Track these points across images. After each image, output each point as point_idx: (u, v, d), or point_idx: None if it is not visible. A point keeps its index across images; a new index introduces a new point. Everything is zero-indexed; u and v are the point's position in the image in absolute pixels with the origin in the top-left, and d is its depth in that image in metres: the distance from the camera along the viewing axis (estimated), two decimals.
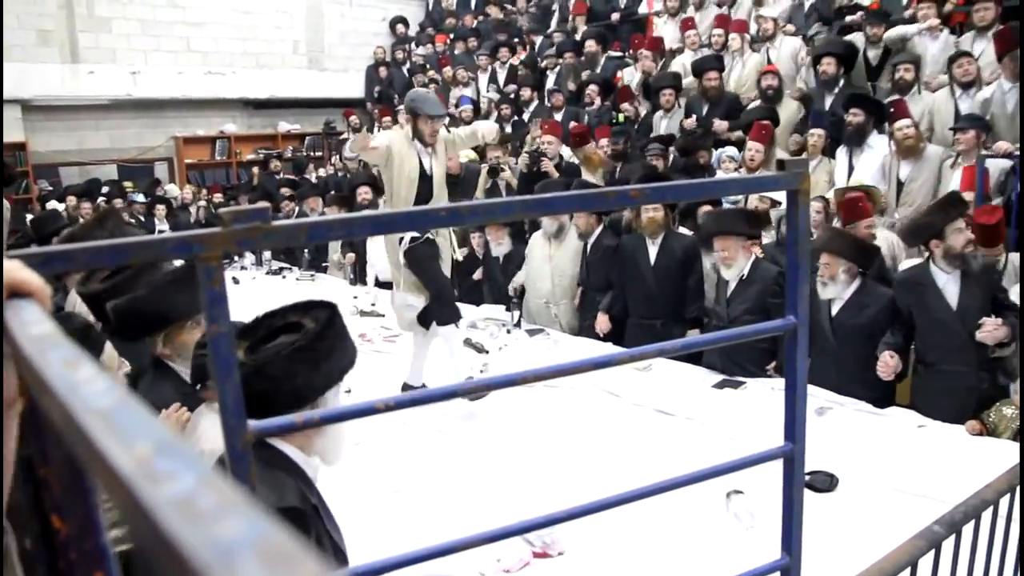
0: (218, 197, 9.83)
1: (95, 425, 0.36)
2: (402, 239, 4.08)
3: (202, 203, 9.84)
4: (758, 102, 6.67)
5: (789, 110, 6.55)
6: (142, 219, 9.12)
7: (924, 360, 3.85)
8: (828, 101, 6.36)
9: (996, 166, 4.91)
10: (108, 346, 1.96)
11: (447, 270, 4.21)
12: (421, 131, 3.95)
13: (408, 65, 11.50)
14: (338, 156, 9.60)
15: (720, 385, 4.15)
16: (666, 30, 8.45)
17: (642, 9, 9.27)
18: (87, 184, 9.99)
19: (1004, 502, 1.95)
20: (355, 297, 6.50)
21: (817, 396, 3.74)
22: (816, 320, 3.99)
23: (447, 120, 3.93)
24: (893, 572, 1.58)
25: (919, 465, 3.10)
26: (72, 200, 9.00)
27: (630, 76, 8.11)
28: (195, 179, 11.26)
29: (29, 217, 8.08)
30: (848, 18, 7.05)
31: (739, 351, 4.22)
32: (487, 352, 4.83)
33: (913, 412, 3.66)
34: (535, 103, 8.57)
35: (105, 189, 10.04)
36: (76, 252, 0.79)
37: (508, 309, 5.50)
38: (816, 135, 5.80)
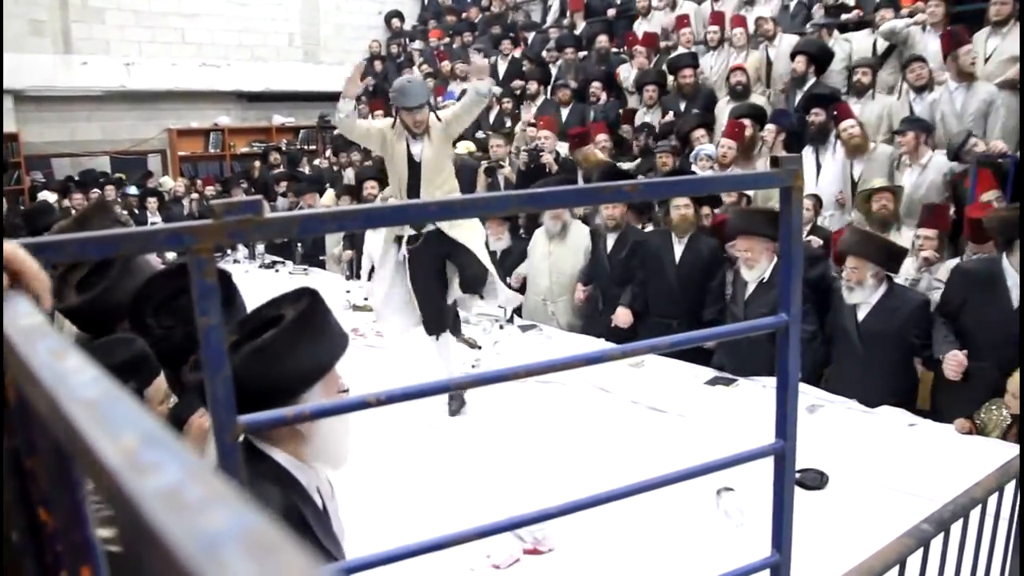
0: (210, 190, 9.78)
1: (81, 416, 0.36)
2: (400, 242, 4.07)
3: (195, 196, 9.80)
4: (727, 98, 6.74)
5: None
6: (135, 211, 9.09)
7: (974, 360, 3.62)
8: (796, 99, 6.45)
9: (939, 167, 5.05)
10: (160, 378, 1.87)
11: (484, 257, 4.08)
12: (404, 122, 3.95)
13: (402, 59, 11.47)
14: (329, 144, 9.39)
15: (712, 382, 4.15)
16: (643, 28, 8.47)
17: (640, 2, 9.26)
18: (83, 175, 9.95)
19: (992, 501, 1.96)
20: (348, 292, 6.49)
21: (808, 394, 3.74)
22: (842, 326, 3.94)
23: (421, 108, 3.85)
24: (882, 570, 1.59)
25: (909, 463, 3.12)
26: (53, 196, 8.89)
27: (626, 72, 8.11)
28: (188, 171, 11.22)
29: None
30: (844, 16, 7.06)
31: (750, 355, 4.15)
32: (480, 348, 4.83)
33: (903, 411, 3.66)
34: (541, 98, 8.54)
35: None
36: (66, 243, 0.78)
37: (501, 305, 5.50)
38: (767, 130, 5.89)
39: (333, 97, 12.33)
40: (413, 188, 3.98)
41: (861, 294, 3.85)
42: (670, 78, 7.50)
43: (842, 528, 2.63)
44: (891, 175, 5.27)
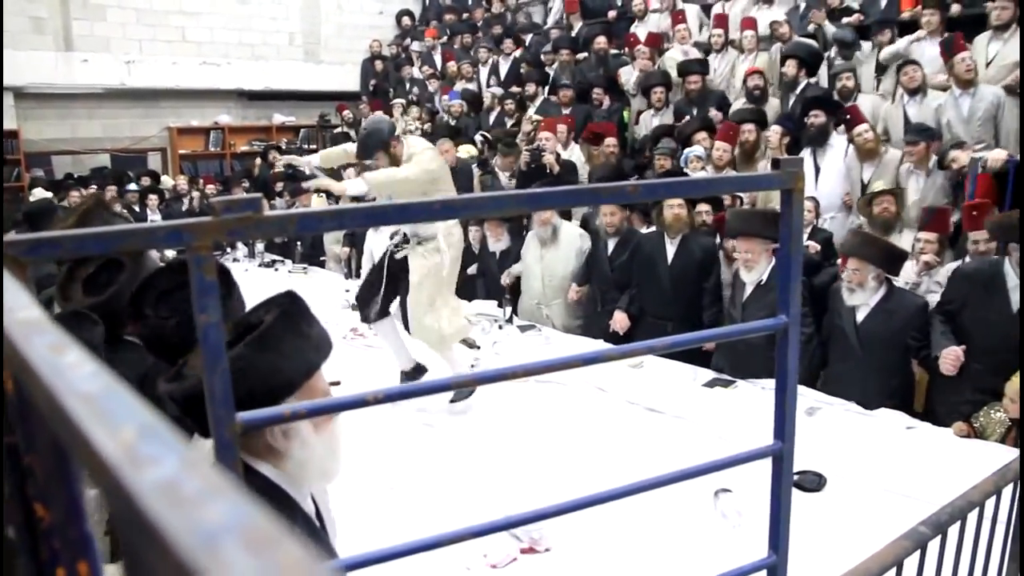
0: (211, 188, 9.77)
1: (80, 409, 0.36)
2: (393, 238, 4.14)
3: (196, 194, 9.80)
4: (742, 100, 6.72)
5: (773, 109, 6.60)
6: (136, 209, 9.08)
7: (972, 362, 3.66)
8: (790, 102, 6.49)
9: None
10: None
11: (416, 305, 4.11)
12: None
13: (399, 59, 11.46)
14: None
15: (711, 384, 4.15)
16: (643, 29, 8.47)
17: (638, 4, 9.25)
18: (93, 172, 9.94)
19: (990, 504, 1.96)
20: (347, 291, 6.48)
21: (807, 396, 3.75)
22: (840, 327, 3.94)
23: (375, 159, 3.94)
24: (879, 572, 1.59)
25: (907, 466, 3.12)
26: (47, 193, 8.85)
27: (627, 74, 8.11)
28: (188, 170, 11.21)
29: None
30: (845, 19, 7.07)
31: (748, 357, 4.15)
32: (479, 348, 4.83)
33: (901, 413, 3.67)
34: (540, 99, 8.54)
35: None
36: (64, 239, 0.78)
37: (500, 305, 5.50)
38: (772, 132, 5.90)
39: (334, 96, 12.37)
40: None
41: (862, 296, 3.86)
42: (675, 78, 7.51)
43: (840, 530, 2.63)
44: (898, 179, 5.26)
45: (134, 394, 0.37)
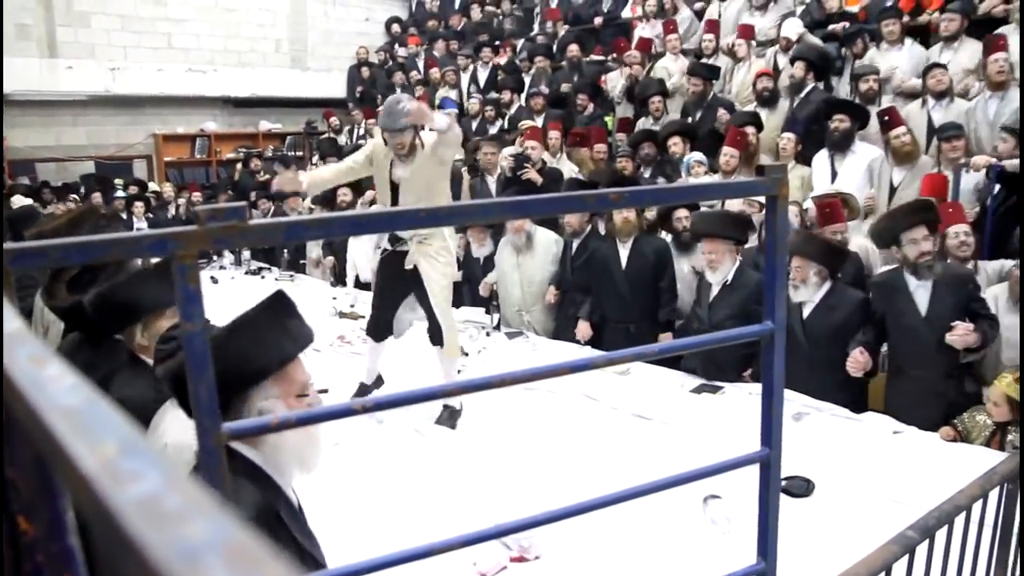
0: (197, 196, 9.72)
1: (60, 423, 0.36)
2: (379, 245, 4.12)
3: (182, 201, 9.74)
4: (753, 105, 6.73)
5: (783, 112, 6.58)
6: (122, 216, 9.02)
7: (895, 364, 3.90)
8: (795, 104, 6.47)
9: (970, 178, 4.97)
10: None
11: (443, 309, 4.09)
12: (387, 142, 3.95)
13: (389, 65, 11.46)
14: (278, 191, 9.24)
15: (698, 390, 4.16)
16: (645, 34, 8.49)
17: (625, 13, 9.30)
18: (82, 180, 9.88)
19: (977, 508, 1.97)
20: (334, 298, 6.46)
21: (794, 401, 3.76)
22: (788, 323, 3.99)
23: (404, 131, 3.81)
24: None
25: (894, 471, 3.13)
26: (22, 197, 8.78)
27: (613, 81, 8.12)
28: (174, 177, 11.16)
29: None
30: (831, 27, 7.10)
31: (719, 356, 4.23)
32: (466, 355, 4.82)
33: (888, 418, 3.69)
34: (516, 105, 8.57)
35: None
36: (48, 248, 0.78)
37: (487, 312, 5.50)
38: (786, 139, 5.85)
39: (320, 103, 12.35)
40: (394, 202, 4.00)
41: (805, 292, 3.97)
42: (670, 83, 7.52)
43: (828, 535, 2.63)
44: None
45: (116, 408, 0.37)
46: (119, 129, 11.09)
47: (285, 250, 8.00)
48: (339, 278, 7.46)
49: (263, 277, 7.75)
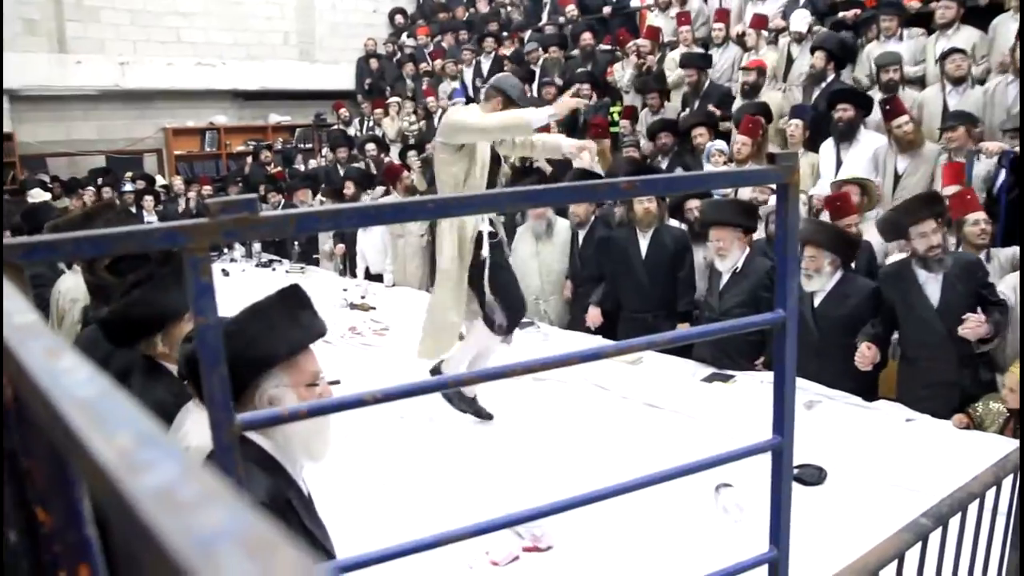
0: (207, 189, 9.76)
1: (76, 415, 0.36)
2: (480, 239, 3.76)
3: (192, 194, 9.78)
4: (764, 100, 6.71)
5: (773, 103, 6.56)
6: (132, 210, 9.07)
7: (906, 355, 3.88)
8: (814, 94, 6.42)
9: (981, 164, 4.93)
10: None
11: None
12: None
13: (398, 56, 11.46)
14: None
15: (710, 379, 4.16)
16: (657, 24, 8.44)
17: (634, 3, 9.26)
18: (92, 174, 9.91)
19: (990, 495, 1.96)
20: (344, 290, 6.48)
21: (807, 390, 3.75)
22: (799, 312, 3.98)
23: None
24: (880, 565, 1.59)
25: (907, 458, 3.12)
26: (41, 191, 8.86)
27: (620, 71, 8.09)
28: (184, 171, 11.20)
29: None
30: (841, 14, 7.05)
31: (730, 344, 4.22)
32: None
33: (901, 406, 3.68)
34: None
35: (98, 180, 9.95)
36: (60, 242, 0.78)
37: None
38: (794, 125, 5.82)
39: (329, 95, 12.37)
40: (490, 184, 3.83)
41: (819, 281, 3.95)
42: (672, 76, 7.50)
43: (840, 523, 2.63)
44: (934, 173, 5.18)
45: (131, 399, 0.37)
46: (129, 123, 11.13)
47: (296, 242, 8.02)
48: (349, 269, 7.49)
49: (274, 270, 7.78)
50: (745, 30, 7.34)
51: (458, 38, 10.66)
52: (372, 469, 3.21)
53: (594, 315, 5.01)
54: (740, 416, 3.53)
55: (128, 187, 9.69)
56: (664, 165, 6.43)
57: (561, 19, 9.69)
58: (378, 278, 6.95)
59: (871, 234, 4.51)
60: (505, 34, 10.13)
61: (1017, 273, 3.85)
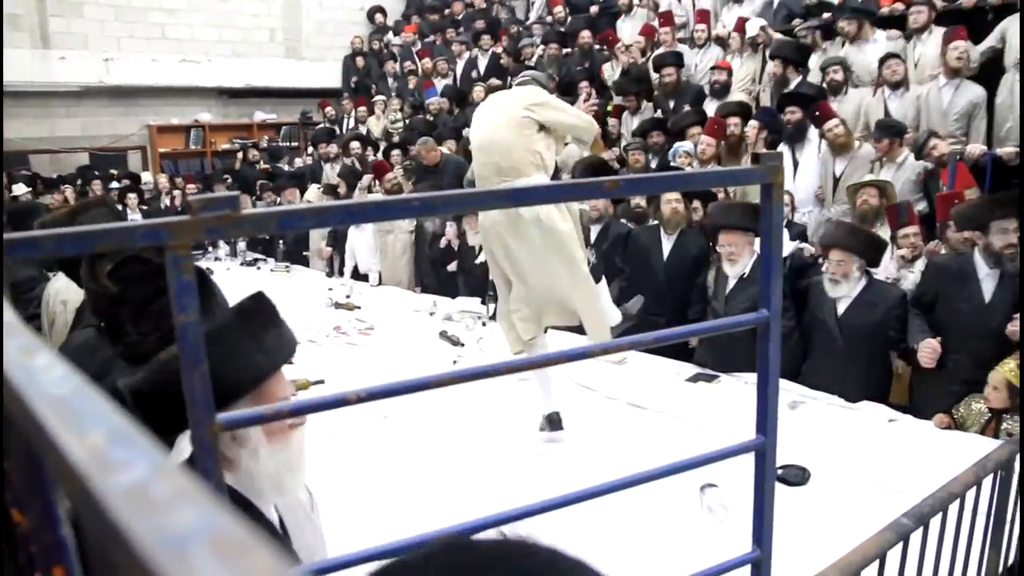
0: (191, 187, 9.69)
1: (49, 413, 0.35)
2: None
3: (177, 192, 9.72)
4: (747, 96, 6.78)
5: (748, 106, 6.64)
6: (118, 207, 9.01)
7: (944, 351, 3.74)
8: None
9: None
10: None
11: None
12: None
13: (382, 54, 11.43)
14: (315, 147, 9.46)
15: (694, 379, 4.16)
16: (633, 24, 8.50)
17: (622, 2, 9.26)
18: (79, 171, 9.83)
19: (971, 495, 1.98)
20: (330, 289, 6.46)
21: (790, 390, 3.77)
22: (822, 320, 3.96)
23: None
24: (862, 564, 1.60)
25: (889, 459, 3.14)
26: (24, 185, 8.78)
27: (611, 70, 8.12)
28: (168, 168, 11.13)
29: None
30: (809, 21, 7.11)
31: (731, 350, 4.15)
32: (462, 344, 4.83)
33: (884, 406, 3.70)
34: None
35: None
36: (42, 240, 0.77)
37: (484, 302, 5.50)
38: (751, 127, 5.95)
39: (315, 93, 12.30)
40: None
41: (846, 287, 3.88)
42: (655, 76, 7.53)
43: (824, 523, 2.64)
44: (872, 173, 5.31)
45: (105, 397, 0.36)
46: (113, 120, 11.04)
47: (281, 241, 7.99)
48: (335, 269, 7.47)
49: (259, 268, 7.75)
50: (729, 32, 7.39)
51: (445, 37, 10.65)
52: (354, 470, 3.21)
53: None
54: (724, 416, 3.54)
55: (113, 185, 9.62)
56: (654, 164, 6.45)
57: (549, 17, 9.69)
58: (365, 278, 6.94)
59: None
60: (495, 31, 10.11)
61: None
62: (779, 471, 2.80)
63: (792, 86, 6.40)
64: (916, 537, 1.77)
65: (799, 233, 4.89)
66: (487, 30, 9.96)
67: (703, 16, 7.74)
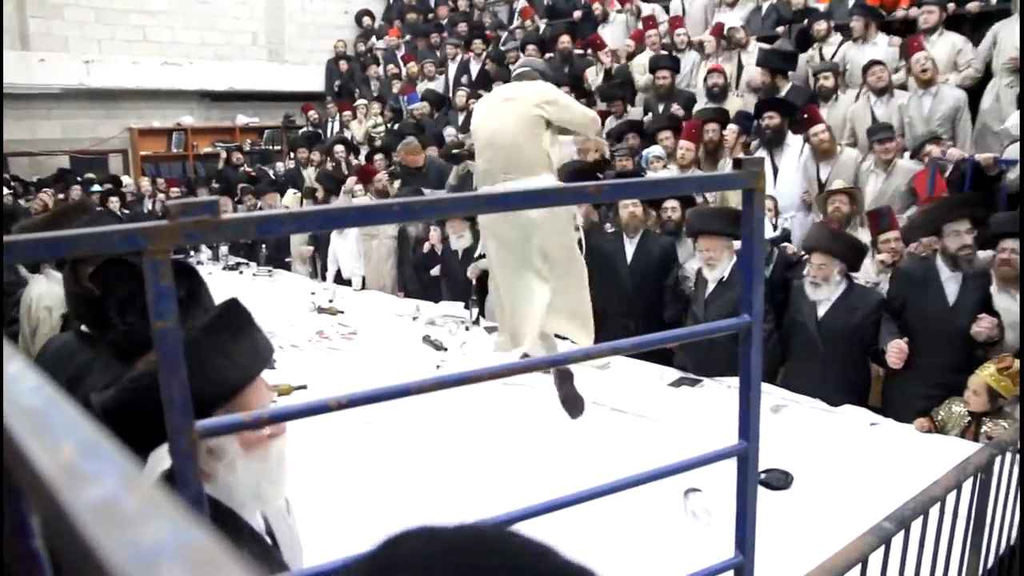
0: (174, 191, 9.62)
1: (20, 424, 0.35)
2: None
3: (160, 196, 9.65)
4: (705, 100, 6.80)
5: (734, 108, 6.63)
6: (98, 211, 8.91)
7: (911, 356, 3.82)
8: None
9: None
10: None
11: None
12: None
13: (366, 58, 11.41)
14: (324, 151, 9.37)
15: (677, 383, 4.17)
16: (612, 30, 8.52)
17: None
18: (57, 174, 9.72)
19: (951, 498, 1.99)
20: (313, 293, 6.43)
21: (772, 394, 3.78)
22: (802, 323, 4.00)
23: None
24: (845, 568, 1.61)
25: (871, 462, 3.16)
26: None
27: (593, 75, 8.13)
28: (150, 171, 11.04)
29: None
30: (796, 26, 7.18)
31: (711, 354, 4.16)
32: (445, 349, 4.82)
33: (865, 410, 3.72)
34: None
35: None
36: (16, 244, 0.76)
37: (467, 306, 5.49)
38: (730, 131, 5.97)
39: (298, 97, 12.26)
40: None
41: (826, 291, 3.93)
42: (641, 80, 7.55)
43: (807, 527, 2.65)
44: (856, 178, 5.36)
45: (78, 408, 0.36)
46: (94, 123, 10.95)
47: (264, 246, 7.95)
48: (319, 272, 7.44)
49: (241, 273, 7.70)
50: (704, 38, 7.45)
51: (430, 41, 10.64)
52: (338, 475, 3.19)
53: None
54: (708, 420, 3.55)
55: (95, 188, 9.53)
56: (631, 167, 6.46)
57: (528, 23, 9.70)
58: (348, 282, 6.91)
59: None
60: (480, 36, 10.11)
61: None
62: (762, 475, 2.81)
63: (783, 93, 6.40)
64: (898, 540, 1.78)
65: (783, 238, 4.92)
66: (476, 35, 9.95)
67: (677, 22, 7.81)
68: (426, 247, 6.44)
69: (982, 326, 3.55)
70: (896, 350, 3.68)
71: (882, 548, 1.72)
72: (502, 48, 9.44)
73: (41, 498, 0.30)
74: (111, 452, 0.31)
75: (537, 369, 0.98)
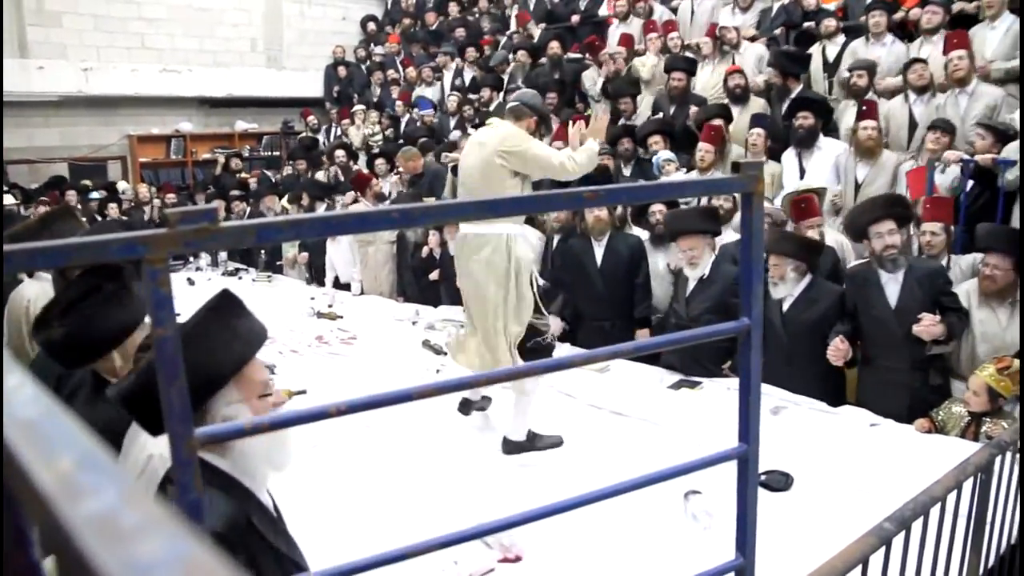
0: (171, 197, 9.62)
1: (17, 436, 0.35)
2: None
3: (157, 202, 9.65)
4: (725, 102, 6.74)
5: (756, 109, 6.53)
6: (97, 217, 8.92)
7: (866, 356, 3.95)
8: (784, 108, 6.43)
9: (947, 174, 5.01)
10: None
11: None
12: (538, 132, 3.78)
13: (368, 64, 11.41)
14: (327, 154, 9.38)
15: (676, 386, 4.18)
16: (616, 33, 8.52)
17: (603, 11, 9.30)
18: (51, 182, 9.70)
19: (951, 498, 1.99)
20: (312, 298, 6.43)
21: (772, 396, 3.78)
22: (768, 319, 4.04)
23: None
24: (845, 569, 1.60)
25: (871, 463, 3.16)
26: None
27: (591, 79, 8.12)
28: (149, 178, 11.04)
29: None
30: (806, 24, 7.14)
31: (698, 349, 4.24)
32: (445, 354, 4.81)
33: (865, 411, 3.73)
34: (495, 103, 8.55)
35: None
36: (13, 253, 0.76)
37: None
38: (756, 134, 5.78)
39: (297, 103, 12.24)
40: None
41: (785, 288, 4.02)
42: (644, 72, 7.54)
43: (807, 528, 2.65)
44: (894, 181, 5.24)
45: (77, 421, 0.36)
46: (93, 130, 10.94)
47: (262, 251, 7.95)
48: (316, 277, 7.43)
49: (240, 278, 7.70)
50: (700, 40, 7.42)
51: (427, 48, 10.65)
52: (337, 480, 3.18)
53: (553, 325, 4.98)
54: (708, 423, 3.56)
55: (94, 195, 9.53)
56: (628, 172, 6.46)
57: (522, 30, 9.70)
58: (347, 287, 6.91)
59: (833, 239, 4.57)
60: (481, 41, 10.11)
61: (971, 280, 3.92)
62: (762, 477, 2.81)
63: (794, 95, 6.30)
64: (898, 541, 1.78)
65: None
66: (470, 42, 9.95)
67: (672, 26, 7.81)
68: (425, 251, 6.44)
69: (923, 326, 3.60)
70: (833, 349, 3.78)
71: (883, 549, 1.71)
72: (491, 58, 9.43)
73: (39, 511, 0.30)
74: (109, 465, 0.31)
75: (538, 373, 0.98)
